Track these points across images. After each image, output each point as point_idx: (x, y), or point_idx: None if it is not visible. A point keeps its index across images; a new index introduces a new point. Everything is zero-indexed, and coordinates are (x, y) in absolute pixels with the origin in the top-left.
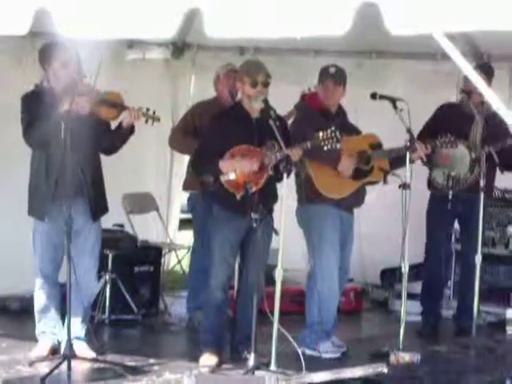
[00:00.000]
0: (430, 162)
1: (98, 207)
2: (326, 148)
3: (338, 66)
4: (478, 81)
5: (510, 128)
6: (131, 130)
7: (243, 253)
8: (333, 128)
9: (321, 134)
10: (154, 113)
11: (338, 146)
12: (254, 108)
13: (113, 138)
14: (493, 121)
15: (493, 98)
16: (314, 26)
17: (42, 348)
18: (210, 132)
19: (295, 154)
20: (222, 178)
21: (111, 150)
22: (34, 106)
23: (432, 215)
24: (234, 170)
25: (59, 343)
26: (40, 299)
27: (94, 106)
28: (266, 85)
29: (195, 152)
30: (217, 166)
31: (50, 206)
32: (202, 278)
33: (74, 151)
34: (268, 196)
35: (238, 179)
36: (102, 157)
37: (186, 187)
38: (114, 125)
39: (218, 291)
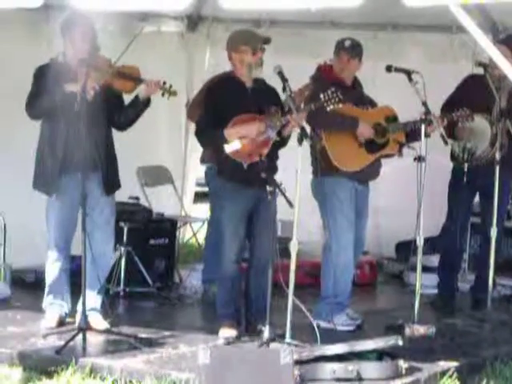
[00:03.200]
0: (450, 135)
1: (112, 182)
2: (328, 108)
3: (353, 39)
4: (494, 53)
5: None
6: (147, 103)
7: (253, 225)
8: (332, 89)
9: (321, 95)
10: (171, 86)
11: (340, 105)
12: (253, 77)
13: (127, 113)
14: None
15: (508, 69)
16: None
17: (50, 319)
18: (207, 104)
19: (300, 117)
20: (227, 149)
21: (124, 125)
22: (45, 78)
23: (451, 188)
24: (239, 137)
25: (66, 315)
26: (51, 272)
27: (110, 78)
28: (263, 51)
29: (196, 125)
30: (220, 136)
31: (57, 182)
32: (218, 251)
33: (88, 125)
34: (270, 164)
35: (244, 148)
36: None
37: (203, 160)
38: (129, 98)
39: (230, 264)
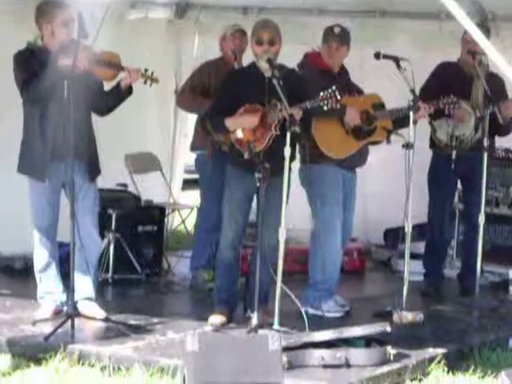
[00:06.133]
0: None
1: (94, 168)
2: (325, 108)
3: (342, 26)
4: (480, 39)
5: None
6: (129, 90)
7: (257, 212)
8: (333, 88)
9: (321, 93)
10: (153, 73)
11: (338, 106)
12: (263, 67)
13: (107, 99)
14: (492, 79)
15: (496, 57)
16: None
17: (44, 311)
18: (223, 91)
19: (295, 113)
20: (232, 137)
21: (105, 110)
22: (29, 63)
23: (434, 175)
24: (238, 127)
25: (62, 304)
26: (40, 256)
27: (90, 65)
28: (271, 43)
29: (208, 110)
30: (224, 124)
31: (48, 167)
32: (208, 238)
33: (73, 111)
34: (277, 156)
35: (244, 137)
36: (107, 117)
37: (193, 147)
38: (110, 85)
39: (227, 250)
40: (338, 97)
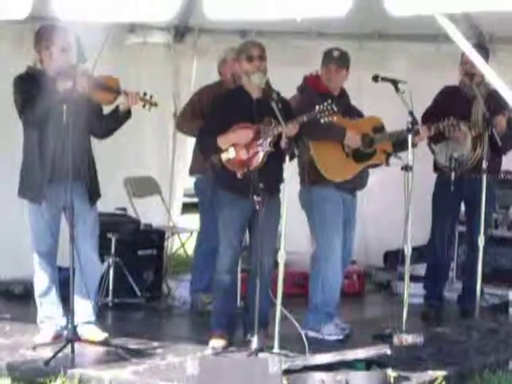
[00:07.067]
0: (435, 144)
1: (94, 191)
2: (322, 121)
3: (341, 49)
4: (479, 62)
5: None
6: (128, 114)
7: (250, 235)
8: (329, 101)
9: (317, 107)
10: (152, 97)
11: (335, 118)
12: (254, 85)
13: (106, 122)
14: (492, 100)
15: (493, 77)
16: (314, 8)
17: (45, 335)
18: (212, 113)
19: (291, 128)
20: (223, 157)
21: (104, 134)
22: (28, 86)
23: (437, 198)
24: (231, 145)
25: (62, 328)
26: (40, 280)
27: (89, 89)
28: (262, 58)
29: (198, 133)
30: (216, 143)
31: (45, 190)
32: (208, 261)
33: (72, 134)
34: (271, 175)
35: (238, 157)
36: (106, 141)
37: (192, 172)
38: (109, 108)
39: (224, 274)
40: (335, 109)
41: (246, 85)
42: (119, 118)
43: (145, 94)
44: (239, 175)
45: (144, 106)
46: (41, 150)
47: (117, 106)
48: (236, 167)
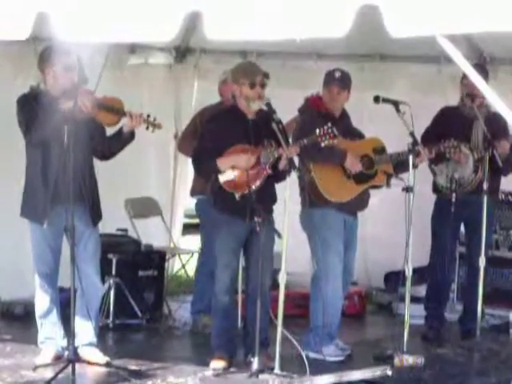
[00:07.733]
0: (436, 165)
1: (96, 213)
2: (322, 144)
3: (343, 70)
4: (479, 82)
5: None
6: (131, 135)
7: (247, 256)
8: (329, 124)
9: (317, 130)
10: (155, 119)
11: (335, 141)
12: (252, 109)
13: (109, 144)
14: (493, 122)
15: (494, 99)
16: (314, 28)
17: (45, 356)
18: (207, 133)
19: (292, 151)
20: (221, 179)
21: (107, 156)
22: (31, 107)
23: (437, 219)
24: (232, 167)
25: (63, 349)
26: (41, 301)
27: (93, 110)
28: (263, 85)
29: (193, 154)
30: (215, 165)
31: (48, 211)
32: (209, 282)
33: (75, 155)
34: (268, 197)
35: (238, 179)
36: (106, 162)
37: (193, 193)
38: (112, 130)
39: (222, 295)
40: (336, 133)
41: (243, 107)
42: (123, 139)
43: (148, 116)
44: (238, 197)
45: (147, 128)
46: (44, 171)
47: (120, 128)
48: (235, 189)
